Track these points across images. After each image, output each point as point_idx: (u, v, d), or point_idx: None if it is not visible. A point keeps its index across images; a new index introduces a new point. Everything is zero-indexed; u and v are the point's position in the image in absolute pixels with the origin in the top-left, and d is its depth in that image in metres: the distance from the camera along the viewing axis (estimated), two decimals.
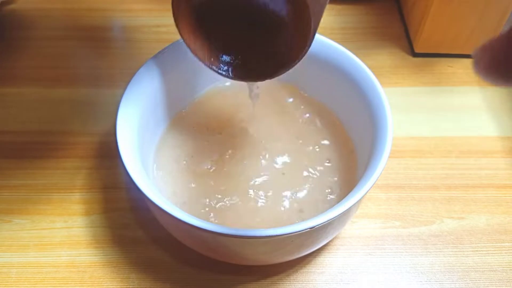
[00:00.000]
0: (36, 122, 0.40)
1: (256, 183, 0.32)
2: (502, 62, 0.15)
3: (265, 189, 0.32)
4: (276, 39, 0.26)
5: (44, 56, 0.45)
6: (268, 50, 0.27)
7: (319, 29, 0.26)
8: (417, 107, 0.42)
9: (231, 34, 0.27)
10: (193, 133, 0.35)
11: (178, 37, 0.33)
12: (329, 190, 0.32)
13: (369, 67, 0.32)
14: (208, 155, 0.34)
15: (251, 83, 0.31)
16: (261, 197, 0.32)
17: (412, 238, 0.34)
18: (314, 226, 0.25)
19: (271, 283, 0.32)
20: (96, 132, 0.39)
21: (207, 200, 0.32)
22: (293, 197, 0.32)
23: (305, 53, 0.25)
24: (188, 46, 0.27)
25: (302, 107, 0.36)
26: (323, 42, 0.33)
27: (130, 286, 0.32)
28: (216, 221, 0.31)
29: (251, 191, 0.32)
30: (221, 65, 0.28)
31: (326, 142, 0.35)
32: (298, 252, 0.30)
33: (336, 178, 0.33)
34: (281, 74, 0.27)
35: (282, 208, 0.31)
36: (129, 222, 0.35)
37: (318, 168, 0.33)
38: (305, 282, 0.32)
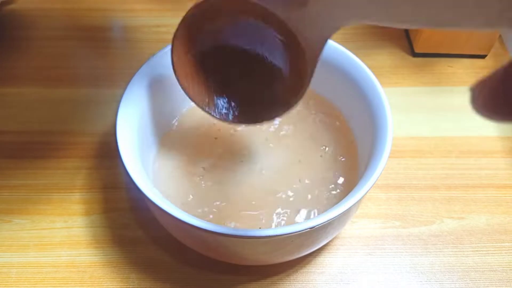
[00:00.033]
0: (36, 122, 0.40)
1: (256, 183, 0.32)
2: (501, 97, 0.14)
3: (265, 189, 0.32)
4: (273, 84, 0.26)
5: (44, 56, 0.45)
6: (265, 95, 0.27)
7: None
8: (417, 107, 0.42)
9: (228, 81, 0.28)
10: (194, 133, 0.35)
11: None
12: (329, 190, 0.32)
13: (369, 67, 0.32)
14: (208, 155, 0.34)
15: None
16: (261, 197, 0.32)
17: (412, 238, 0.34)
18: (314, 226, 0.25)
19: (271, 283, 0.32)
20: (96, 132, 0.39)
21: (207, 200, 0.32)
22: (293, 196, 0.32)
23: (301, 96, 0.25)
24: (186, 92, 0.28)
25: (302, 107, 0.36)
26: None
27: (130, 286, 0.32)
28: (216, 221, 0.31)
29: (251, 191, 0.32)
30: (218, 110, 0.28)
31: (326, 142, 0.35)
32: (298, 252, 0.30)
33: (336, 178, 0.33)
34: (278, 117, 0.27)
35: (282, 208, 0.31)
36: (129, 222, 0.35)
37: (318, 168, 0.33)
38: (305, 282, 0.32)
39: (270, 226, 0.31)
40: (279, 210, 0.31)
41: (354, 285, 0.32)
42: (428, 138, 0.40)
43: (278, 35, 0.23)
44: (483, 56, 0.45)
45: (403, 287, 0.32)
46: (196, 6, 0.24)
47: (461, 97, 0.43)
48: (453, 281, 0.32)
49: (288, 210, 0.31)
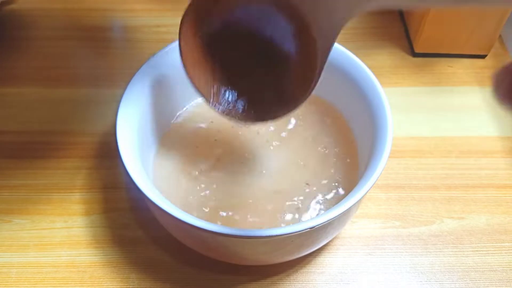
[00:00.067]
0: (36, 122, 0.40)
1: (256, 183, 0.32)
2: None
3: (265, 189, 0.32)
4: (282, 76, 0.26)
5: (44, 56, 0.45)
6: (273, 89, 0.26)
7: None
8: (417, 107, 0.42)
9: (236, 72, 0.27)
10: (194, 133, 0.35)
11: (178, 37, 0.33)
12: (330, 190, 0.32)
13: (369, 67, 0.32)
14: (208, 156, 0.34)
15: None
16: (261, 197, 0.32)
17: (412, 238, 0.34)
18: (314, 226, 0.25)
19: (271, 283, 0.32)
20: (96, 132, 0.39)
21: (207, 200, 0.32)
22: (293, 197, 0.32)
23: (311, 91, 0.24)
24: (193, 82, 0.27)
25: (302, 107, 0.36)
26: None
27: (130, 286, 0.32)
28: (216, 221, 0.31)
29: (251, 192, 0.32)
30: (224, 104, 0.27)
31: (326, 142, 0.35)
32: (298, 252, 0.30)
33: (336, 178, 0.33)
34: (284, 115, 0.26)
35: (282, 208, 0.31)
36: (129, 222, 0.35)
37: (318, 168, 0.33)
38: (305, 282, 0.32)
39: (271, 226, 0.31)
40: (279, 210, 0.31)
41: (354, 285, 0.32)
42: (428, 138, 0.40)
43: (290, 21, 0.23)
44: (483, 56, 0.45)
45: (403, 287, 0.32)
46: None
47: (461, 97, 0.43)
48: (453, 281, 0.32)
49: (289, 210, 0.31)
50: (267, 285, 0.32)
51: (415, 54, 0.45)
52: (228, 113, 0.27)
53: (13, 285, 0.32)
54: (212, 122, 0.36)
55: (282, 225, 0.31)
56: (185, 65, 0.26)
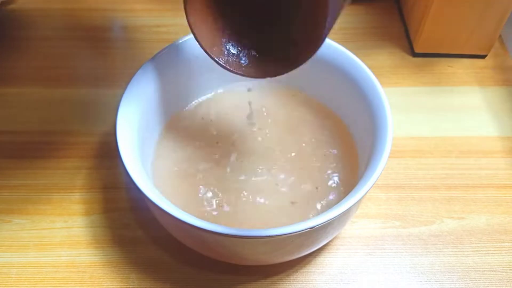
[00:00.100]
0: (36, 122, 0.40)
1: (257, 183, 0.32)
2: None
3: (265, 189, 0.32)
4: (288, 28, 0.24)
5: (44, 56, 0.45)
6: (278, 41, 0.25)
7: None
8: (417, 107, 0.42)
9: (242, 21, 0.25)
10: (193, 133, 0.35)
11: (178, 37, 0.33)
12: (329, 190, 0.32)
13: (369, 67, 0.32)
14: (208, 155, 0.34)
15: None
16: (261, 197, 0.32)
17: (412, 238, 0.34)
18: (314, 226, 0.25)
19: (271, 283, 0.32)
20: (96, 132, 0.39)
21: (207, 200, 0.32)
22: (293, 197, 0.32)
23: (316, 49, 0.23)
24: (193, 31, 0.25)
25: (302, 108, 0.36)
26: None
27: (130, 286, 0.32)
28: (216, 221, 0.31)
29: (251, 192, 0.32)
30: (226, 54, 0.26)
31: (326, 142, 0.35)
32: (298, 252, 0.30)
33: (336, 178, 0.33)
34: (287, 71, 0.25)
35: (282, 208, 0.31)
36: (129, 222, 0.35)
37: (318, 168, 0.33)
38: (305, 282, 0.32)
39: (271, 226, 0.31)
40: (279, 210, 0.31)
41: (354, 285, 0.32)
42: (428, 138, 0.40)
43: None
44: (483, 56, 0.45)
45: (403, 287, 0.32)
46: None
47: (461, 97, 0.43)
48: (453, 281, 0.32)
49: (289, 210, 0.31)
50: (267, 285, 0.32)
51: (415, 54, 0.45)
52: (230, 65, 0.26)
53: (13, 285, 0.32)
54: (212, 121, 0.36)
55: (281, 225, 0.31)
56: (187, 10, 0.25)
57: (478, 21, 0.42)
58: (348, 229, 0.35)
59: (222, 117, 0.36)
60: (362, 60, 0.32)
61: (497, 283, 0.32)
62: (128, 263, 0.33)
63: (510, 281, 0.32)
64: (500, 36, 0.46)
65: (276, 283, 0.32)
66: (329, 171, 0.33)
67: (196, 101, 0.37)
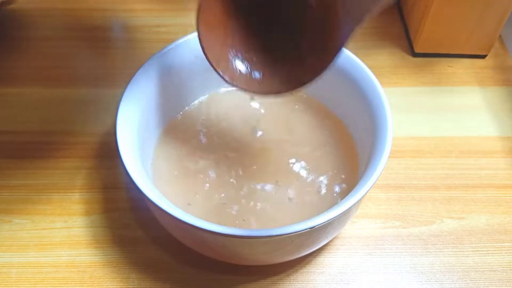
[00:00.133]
0: (36, 122, 0.40)
1: (257, 183, 0.32)
2: None
3: (265, 189, 0.32)
4: (300, 45, 0.24)
5: (44, 56, 0.45)
6: (289, 60, 0.24)
7: None
8: (417, 107, 0.42)
9: (253, 36, 0.25)
10: (193, 133, 0.35)
11: (178, 37, 0.33)
12: (329, 190, 0.32)
13: (369, 67, 0.32)
14: (209, 155, 0.34)
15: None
16: (262, 197, 0.32)
17: (412, 238, 0.34)
18: (314, 226, 0.25)
19: (271, 283, 0.32)
20: (96, 132, 0.39)
21: (207, 199, 0.32)
22: (293, 197, 0.32)
23: (328, 67, 0.22)
24: (201, 43, 0.25)
25: (302, 108, 0.36)
26: None
27: (130, 286, 0.32)
28: (216, 220, 0.31)
29: (252, 192, 0.32)
30: (232, 70, 0.25)
31: (326, 142, 0.35)
32: (298, 252, 0.30)
33: (336, 178, 0.33)
34: (295, 90, 0.24)
35: (282, 209, 0.31)
36: (129, 222, 0.35)
37: (319, 168, 0.33)
38: (305, 282, 0.32)
39: (271, 227, 0.31)
40: (279, 209, 0.31)
41: (354, 285, 0.32)
42: (428, 138, 0.40)
43: None
44: (483, 56, 0.45)
45: (403, 287, 0.32)
46: None
47: (461, 97, 0.43)
48: (453, 281, 0.32)
49: (288, 210, 0.31)
50: (267, 285, 0.32)
51: (415, 54, 0.45)
52: (236, 79, 0.25)
53: (13, 285, 0.32)
54: (212, 121, 0.36)
55: (281, 225, 0.31)
56: (199, 22, 0.24)
57: (478, 21, 0.42)
58: (348, 229, 0.35)
59: (222, 117, 0.36)
60: (362, 60, 0.32)
61: (497, 283, 0.32)
62: (128, 263, 0.33)
63: (510, 281, 0.32)
64: (500, 36, 0.46)
65: (276, 283, 0.32)
66: (329, 171, 0.33)
67: (196, 101, 0.37)
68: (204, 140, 0.35)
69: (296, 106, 0.36)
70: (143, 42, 0.46)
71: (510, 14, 0.41)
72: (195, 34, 0.33)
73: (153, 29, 0.47)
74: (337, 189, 0.32)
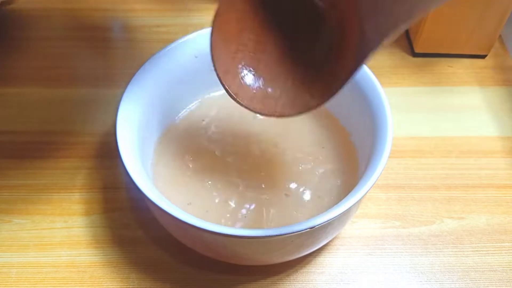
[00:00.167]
0: (36, 122, 0.40)
1: (257, 183, 0.32)
2: None
3: (265, 189, 0.32)
4: (309, 71, 0.23)
5: (44, 56, 0.45)
6: (297, 84, 0.24)
7: None
8: (417, 107, 0.42)
9: (265, 51, 0.24)
10: (194, 132, 0.35)
11: (178, 37, 0.33)
12: (329, 190, 0.32)
13: (369, 67, 0.32)
14: (208, 156, 0.34)
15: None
16: (261, 197, 0.32)
17: (412, 238, 0.34)
18: (314, 226, 0.25)
19: (271, 283, 0.32)
20: (96, 132, 0.39)
21: (207, 200, 0.32)
22: (293, 197, 0.32)
23: (336, 92, 0.22)
24: (212, 51, 0.24)
25: None
26: None
27: (130, 286, 0.32)
28: (216, 220, 0.31)
29: (252, 192, 0.32)
30: (238, 84, 0.24)
31: (326, 142, 0.35)
32: (298, 252, 0.30)
33: (336, 178, 0.33)
34: (296, 114, 0.24)
35: (282, 209, 0.31)
36: (129, 222, 0.35)
37: (318, 168, 0.33)
38: (305, 282, 0.32)
39: (269, 225, 0.31)
40: (279, 210, 0.31)
41: (354, 285, 0.32)
42: (428, 138, 0.40)
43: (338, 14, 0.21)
44: (483, 56, 0.45)
45: (403, 287, 0.32)
46: None
47: (461, 97, 0.43)
48: (453, 281, 0.32)
49: (288, 210, 0.31)
50: (267, 285, 0.32)
51: (415, 54, 0.45)
52: (240, 96, 0.25)
53: (13, 285, 0.32)
54: (212, 121, 0.36)
55: (282, 225, 0.31)
56: (214, 30, 0.24)
57: (478, 21, 0.42)
58: (348, 229, 0.35)
59: (222, 117, 0.36)
60: None
61: (497, 283, 0.32)
62: (128, 263, 0.33)
63: (510, 281, 0.32)
64: (500, 36, 0.46)
65: (276, 283, 0.32)
66: (329, 172, 0.33)
67: (197, 101, 0.37)
68: (204, 140, 0.35)
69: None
70: (143, 42, 0.46)
71: (510, 14, 0.41)
72: (195, 34, 0.34)
73: (153, 29, 0.47)
74: (337, 189, 0.32)
